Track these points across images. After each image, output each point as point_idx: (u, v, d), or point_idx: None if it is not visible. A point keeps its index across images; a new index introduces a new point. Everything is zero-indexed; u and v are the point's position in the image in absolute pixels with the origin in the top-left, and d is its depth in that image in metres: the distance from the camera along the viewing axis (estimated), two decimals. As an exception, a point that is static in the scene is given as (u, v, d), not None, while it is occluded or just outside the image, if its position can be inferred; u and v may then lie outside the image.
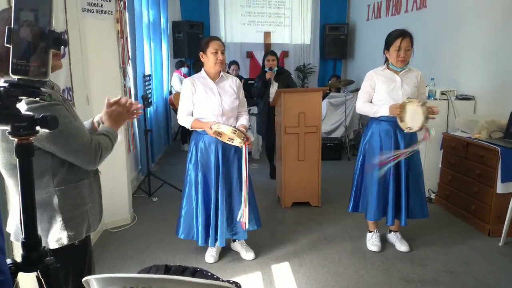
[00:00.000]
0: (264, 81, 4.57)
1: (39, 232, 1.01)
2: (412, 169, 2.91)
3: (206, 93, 2.66)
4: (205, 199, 2.75)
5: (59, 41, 0.83)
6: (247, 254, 2.93)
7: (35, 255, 0.92)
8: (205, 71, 2.72)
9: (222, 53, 2.65)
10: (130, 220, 3.58)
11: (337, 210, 3.83)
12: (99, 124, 1.64)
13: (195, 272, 1.21)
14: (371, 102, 2.96)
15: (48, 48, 0.82)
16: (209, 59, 2.64)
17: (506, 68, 3.73)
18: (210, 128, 2.53)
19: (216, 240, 2.78)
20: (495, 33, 3.85)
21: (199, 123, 2.64)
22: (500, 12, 3.77)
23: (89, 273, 1.56)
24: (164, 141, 6.21)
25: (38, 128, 0.84)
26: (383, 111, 2.81)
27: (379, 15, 6.48)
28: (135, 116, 1.67)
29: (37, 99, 0.83)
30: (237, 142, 2.54)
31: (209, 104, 2.66)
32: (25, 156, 0.85)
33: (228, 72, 3.97)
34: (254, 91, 4.69)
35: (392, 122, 2.83)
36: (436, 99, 4.04)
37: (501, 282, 2.61)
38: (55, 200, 1.39)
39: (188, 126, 2.69)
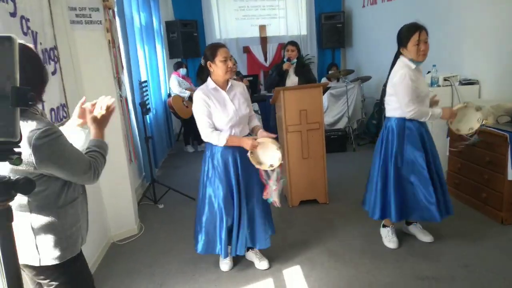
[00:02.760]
0: (280, 70, 4.34)
1: (43, 251, 1.28)
2: (436, 164, 2.84)
3: (221, 105, 2.56)
4: (226, 212, 2.64)
5: (25, 97, 0.76)
6: (261, 264, 2.86)
7: None
8: (214, 81, 2.59)
9: (231, 60, 2.57)
10: (137, 230, 3.54)
11: (346, 206, 3.78)
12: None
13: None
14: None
15: (13, 107, 0.75)
16: (218, 67, 2.51)
17: (510, 49, 3.62)
18: (251, 143, 2.45)
19: (236, 249, 2.71)
20: (497, 14, 3.73)
21: (236, 139, 2.52)
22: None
23: (90, 277, 1.71)
24: (167, 144, 6.17)
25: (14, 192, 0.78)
26: (437, 114, 2.70)
27: (374, 1, 6.34)
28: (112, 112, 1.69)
29: (6, 162, 0.76)
30: (276, 159, 2.44)
31: (225, 115, 2.55)
32: (3, 222, 0.79)
33: None
34: (266, 82, 4.46)
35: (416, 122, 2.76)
36: (439, 85, 3.94)
37: (519, 273, 2.55)
38: (59, 221, 1.48)
39: (221, 144, 2.54)
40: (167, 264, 2.98)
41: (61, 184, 1.47)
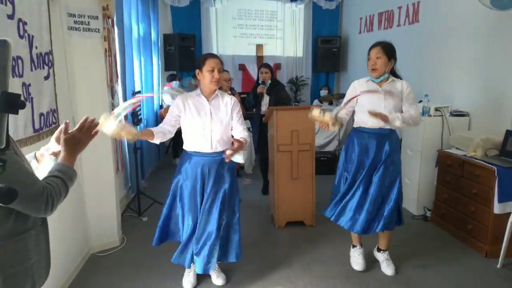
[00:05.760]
0: (255, 94, 4.51)
1: None
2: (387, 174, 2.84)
3: (197, 111, 2.57)
4: (189, 208, 2.67)
5: (14, 104, 0.73)
6: (217, 280, 2.83)
7: None
8: (200, 89, 2.63)
9: (219, 71, 2.55)
10: (119, 242, 3.46)
11: (332, 229, 3.73)
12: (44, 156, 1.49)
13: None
14: (352, 112, 2.93)
15: (1, 112, 0.72)
16: (204, 77, 2.54)
17: (500, 83, 3.71)
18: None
19: (192, 261, 2.66)
20: (487, 48, 3.83)
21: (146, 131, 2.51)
22: (492, 27, 3.75)
23: None
24: (155, 156, 6.10)
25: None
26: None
27: (371, 29, 6.47)
28: (94, 136, 1.51)
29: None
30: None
31: (198, 123, 2.56)
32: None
33: None
34: (246, 104, 4.65)
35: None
36: (430, 115, 4.00)
37: (501, 308, 2.54)
38: None
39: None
40: (148, 278, 2.91)
41: (4, 212, 1.20)
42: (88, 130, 1.46)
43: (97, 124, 1.50)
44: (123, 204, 4.18)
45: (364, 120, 2.84)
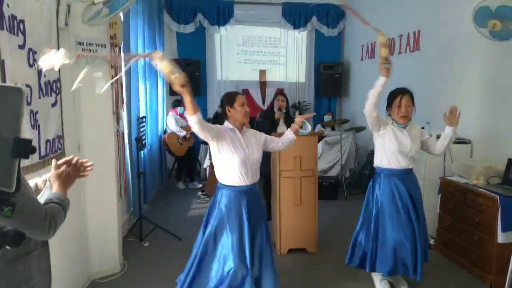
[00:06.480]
0: (272, 119, 4.64)
1: None
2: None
3: (234, 145, 2.60)
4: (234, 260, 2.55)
5: (26, 149, 0.76)
6: None
7: None
8: (231, 124, 2.67)
9: (247, 105, 2.69)
10: (120, 268, 3.43)
11: (335, 256, 3.71)
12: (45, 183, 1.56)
13: None
14: (376, 120, 2.88)
15: (12, 157, 0.75)
16: (237, 111, 2.63)
17: (501, 111, 3.74)
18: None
19: None
20: (489, 76, 3.88)
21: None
22: (493, 56, 3.81)
23: None
24: (158, 179, 6.12)
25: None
26: (380, 81, 2.79)
27: (372, 55, 6.58)
28: (86, 174, 1.61)
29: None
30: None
31: (236, 157, 2.57)
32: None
33: None
34: (257, 129, 4.68)
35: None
36: (432, 142, 4.01)
37: None
38: (2, 277, 1.28)
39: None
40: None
41: None
42: (78, 168, 1.54)
43: (89, 165, 1.57)
44: (125, 228, 4.17)
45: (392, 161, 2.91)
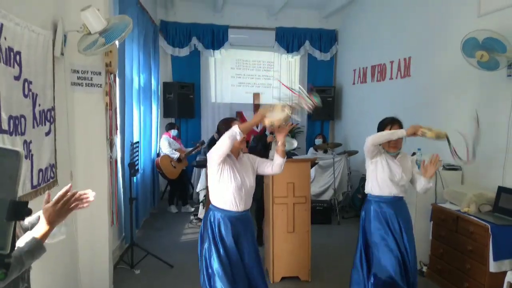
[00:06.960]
0: (264, 143, 4.68)
1: None
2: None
3: (233, 170, 2.60)
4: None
5: (22, 212, 0.76)
6: None
7: None
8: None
9: None
10: (110, 297, 3.38)
11: (328, 285, 3.69)
12: None
13: None
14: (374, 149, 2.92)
15: (8, 220, 0.75)
16: None
17: (491, 139, 3.80)
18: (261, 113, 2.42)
19: None
20: (479, 103, 3.95)
21: (246, 123, 2.51)
22: (482, 83, 3.90)
23: None
24: (150, 203, 6.06)
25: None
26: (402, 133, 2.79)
27: (364, 80, 6.69)
28: (84, 206, 1.51)
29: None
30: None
31: (231, 183, 2.57)
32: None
33: None
34: (251, 153, 4.71)
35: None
36: (423, 169, 4.05)
37: None
38: None
39: (236, 132, 2.43)
40: None
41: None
42: (65, 204, 1.41)
43: (77, 198, 1.45)
44: (115, 255, 4.11)
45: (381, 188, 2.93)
